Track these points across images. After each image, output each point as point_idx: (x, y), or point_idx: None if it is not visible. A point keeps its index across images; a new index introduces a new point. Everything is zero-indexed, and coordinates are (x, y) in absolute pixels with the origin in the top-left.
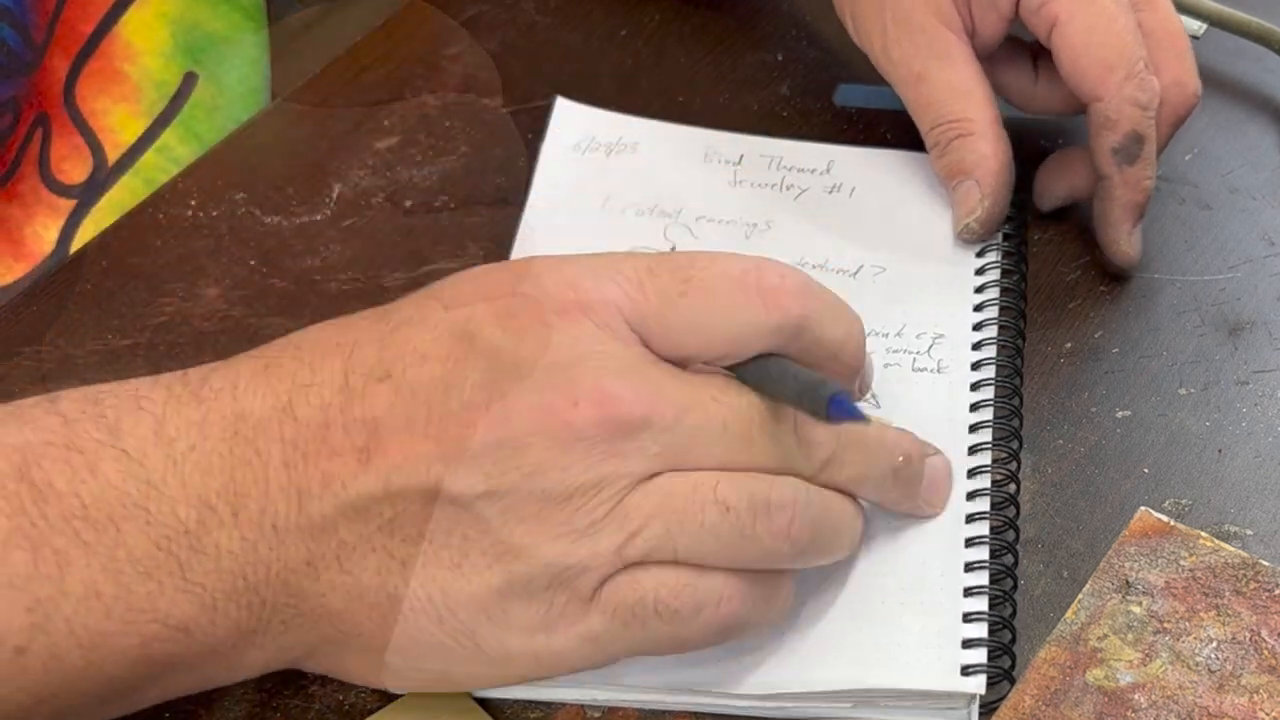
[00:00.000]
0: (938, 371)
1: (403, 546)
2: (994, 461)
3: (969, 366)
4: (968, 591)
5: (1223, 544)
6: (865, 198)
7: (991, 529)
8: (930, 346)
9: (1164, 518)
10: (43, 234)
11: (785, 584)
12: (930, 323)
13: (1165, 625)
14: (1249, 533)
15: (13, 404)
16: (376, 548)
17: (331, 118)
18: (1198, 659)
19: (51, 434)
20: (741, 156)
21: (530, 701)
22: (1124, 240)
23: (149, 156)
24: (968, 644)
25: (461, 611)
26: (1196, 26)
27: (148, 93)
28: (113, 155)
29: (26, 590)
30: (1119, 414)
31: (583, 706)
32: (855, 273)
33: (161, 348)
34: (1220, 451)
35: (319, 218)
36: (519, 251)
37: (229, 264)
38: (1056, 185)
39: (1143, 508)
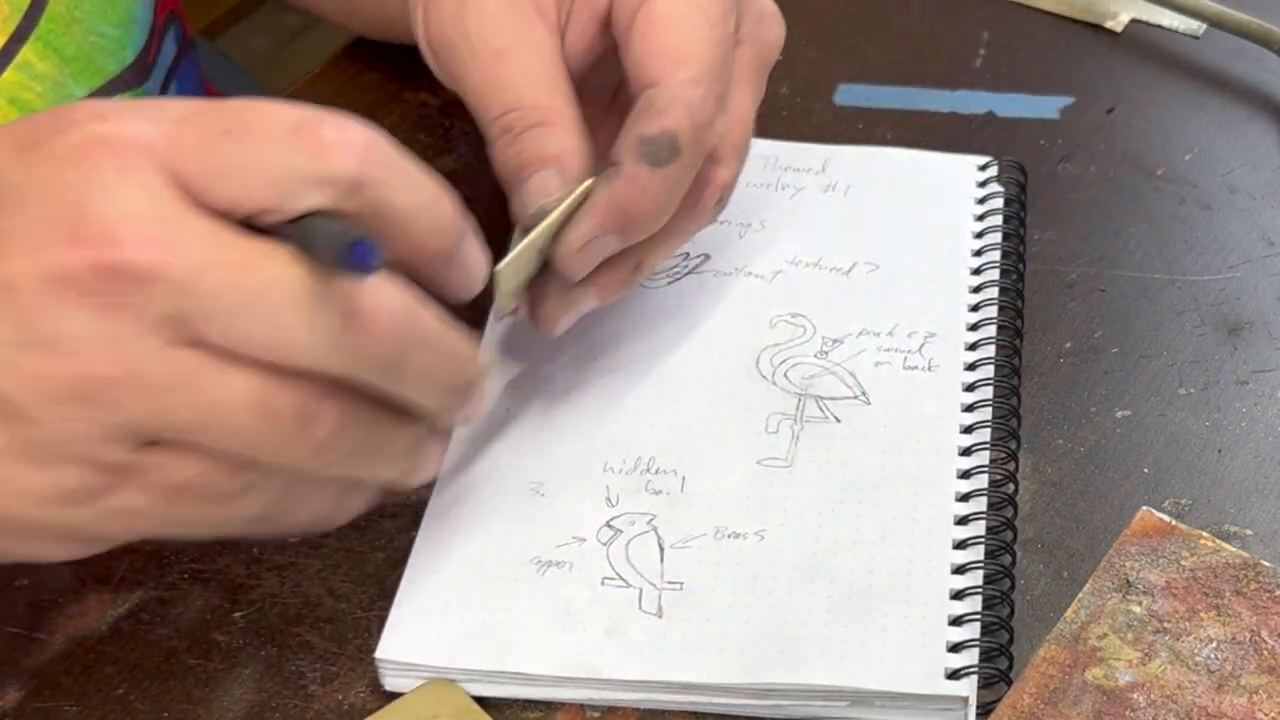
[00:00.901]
0: (929, 370)
1: None
2: (992, 462)
3: (963, 366)
4: (958, 594)
5: (1223, 544)
6: (861, 196)
7: (989, 529)
8: (921, 345)
9: (1165, 518)
10: None
11: (320, 494)
12: (922, 321)
13: (1165, 625)
14: (1249, 533)
15: None
16: None
17: None
18: (1197, 659)
19: None
20: None
21: (530, 701)
22: (571, 257)
23: (10, 75)
24: (955, 647)
25: None
26: (1196, 26)
27: (0, 8)
28: None
29: None
30: (1119, 414)
31: (582, 706)
32: (849, 270)
33: None
34: (1220, 451)
35: None
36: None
37: None
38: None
39: (1144, 507)
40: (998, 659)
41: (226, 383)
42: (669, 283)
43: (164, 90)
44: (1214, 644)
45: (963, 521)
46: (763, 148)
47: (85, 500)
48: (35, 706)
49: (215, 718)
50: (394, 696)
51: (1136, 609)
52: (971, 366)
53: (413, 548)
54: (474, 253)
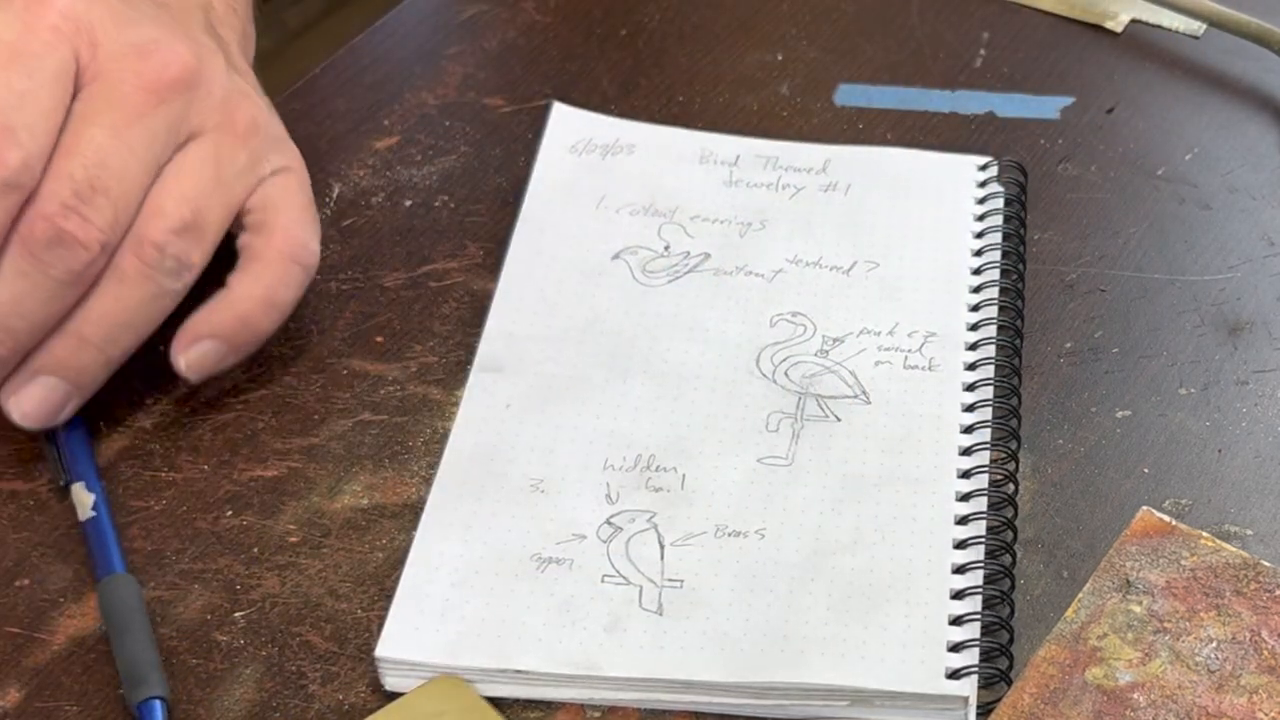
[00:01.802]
0: (929, 369)
1: None
2: (992, 462)
3: (963, 366)
4: (958, 594)
5: (1224, 544)
6: (861, 196)
7: (989, 529)
8: (922, 345)
9: (1165, 518)
10: None
11: None
12: (923, 321)
13: (1165, 625)
14: (1249, 533)
15: None
16: None
17: (331, 118)
18: (1197, 659)
19: None
20: (738, 157)
21: (530, 701)
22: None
23: None
24: (955, 647)
25: None
26: (1196, 26)
27: None
28: None
29: None
30: (1119, 414)
31: (582, 706)
32: (849, 269)
33: (161, 347)
34: (1220, 451)
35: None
36: (516, 251)
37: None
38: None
39: (1145, 507)
40: (998, 659)
41: None
42: (669, 281)
43: None
44: (1214, 644)
45: (963, 521)
46: (763, 147)
47: None
48: (35, 706)
49: (215, 718)
50: (394, 696)
51: (1136, 609)
52: (972, 366)
53: (412, 545)
54: None
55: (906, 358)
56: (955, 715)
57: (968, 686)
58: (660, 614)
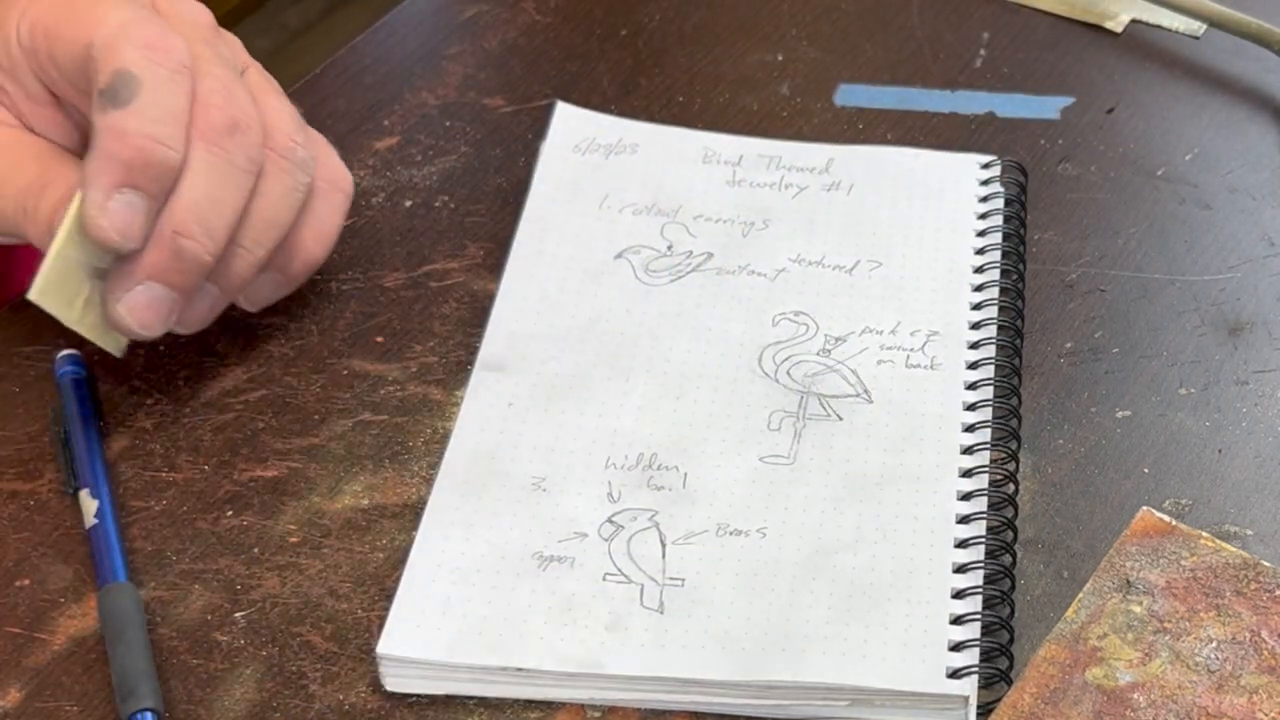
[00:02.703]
0: (931, 369)
1: None
2: (993, 462)
3: (965, 365)
4: (959, 593)
5: (1223, 544)
6: (864, 195)
7: (989, 529)
8: (924, 344)
9: (1165, 518)
10: None
11: None
12: (924, 320)
13: (1165, 625)
14: (1249, 533)
15: None
16: None
17: (331, 118)
18: (1197, 659)
19: None
20: (741, 157)
21: (531, 701)
22: (100, 225)
23: None
24: (956, 646)
25: None
26: (1196, 27)
27: None
28: None
29: None
30: (1119, 414)
31: (583, 706)
32: (851, 269)
33: (161, 347)
34: (1220, 451)
35: None
36: (519, 250)
37: None
38: None
39: (1145, 507)
40: (998, 658)
41: None
42: (672, 281)
43: None
44: (1214, 644)
45: (964, 520)
46: (766, 147)
47: None
48: (35, 706)
49: (215, 718)
50: (395, 696)
51: (1137, 609)
52: (973, 365)
53: (414, 543)
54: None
55: (909, 357)
56: (955, 714)
57: (968, 686)
58: (661, 612)
